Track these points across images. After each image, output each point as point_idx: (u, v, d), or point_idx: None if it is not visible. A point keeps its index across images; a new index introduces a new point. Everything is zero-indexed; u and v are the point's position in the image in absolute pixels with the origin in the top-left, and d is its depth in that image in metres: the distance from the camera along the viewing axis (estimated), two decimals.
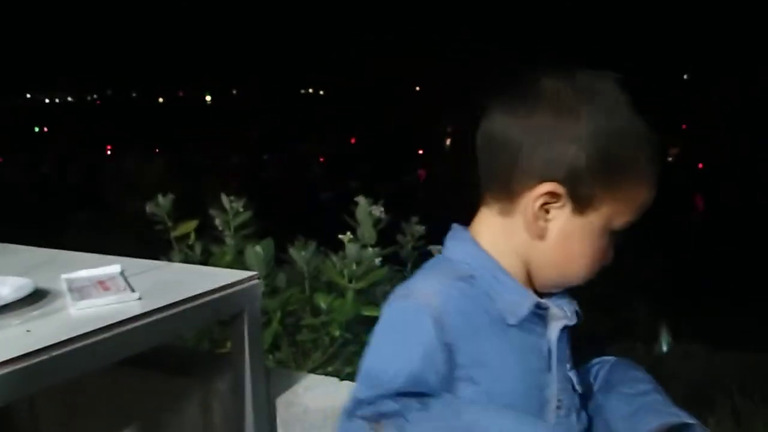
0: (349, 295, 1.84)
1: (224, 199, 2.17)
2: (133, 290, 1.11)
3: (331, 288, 2.02)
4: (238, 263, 2.10)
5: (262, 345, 1.29)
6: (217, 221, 2.17)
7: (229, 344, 2.00)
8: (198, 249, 2.23)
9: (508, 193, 0.86)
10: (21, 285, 1.11)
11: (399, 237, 2.31)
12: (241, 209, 2.18)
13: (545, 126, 0.83)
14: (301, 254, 1.99)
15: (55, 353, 0.91)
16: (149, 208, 2.23)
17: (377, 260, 1.89)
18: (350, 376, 2.15)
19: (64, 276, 1.18)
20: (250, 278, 1.25)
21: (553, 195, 0.83)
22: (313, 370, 2.09)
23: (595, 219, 0.84)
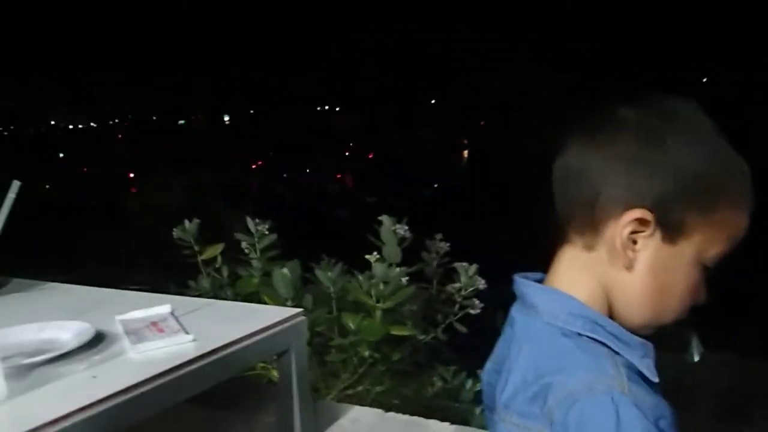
0: (378, 315, 1.85)
1: (250, 222, 2.19)
2: (186, 332, 1.12)
3: (358, 308, 2.02)
4: (265, 285, 2.12)
5: (309, 381, 1.29)
6: (244, 244, 2.19)
7: (259, 366, 2.01)
8: (225, 272, 2.25)
9: (591, 224, 0.82)
10: (82, 330, 1.12)
11: (424, 254, 2.31)
12: (266, 232, 2.20)
13: (630, 153, 0.81)
14: (327, 275, 2.00)
15: (121, 399, 0.92)
16: (176, 233, 2.26)
17: (404, 279, 1.89)
18: (380, 396, 2.16)
19: (118, 317, 1.18)
20: (297, 315, 1.25)
21: (641, 222, 0.80)
22: (342, 390, 2.10)
23: (687, 248, 0.81)
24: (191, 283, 2.25)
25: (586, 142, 0.84)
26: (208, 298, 2.25)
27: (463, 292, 2.02)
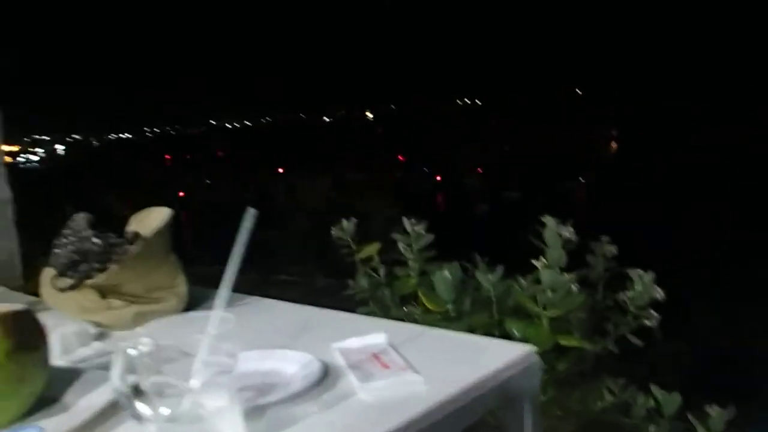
0: (544, 323, 1.75)
1: (406, 222, 2.17)
2: (414, 369, 0.98)
3: (519, 313, 1.94)
4: (423, 286, 2.09)
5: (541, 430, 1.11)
6: (401, 244, 2.18)
7: None
8: (382, 271, 2.26)
9: None
10: (306, 363, 0.99)
11: (589, 258, 2.18)
12: (423, 232, 2.18)
13: None
14: (487, 277, 1.93)
15: None
16: (334, 232, 2.29)
17: (573, 286, 1.78)
18: (542, 406, 2.06)
19: (335, 346, 1.06)
20: (530, 354, 1.06)
21: None
22: None
23: None
24: (349, 281, 2.28)
25: None
26: (366, 296, 2.28)
27: (636, 302, 1.87)
